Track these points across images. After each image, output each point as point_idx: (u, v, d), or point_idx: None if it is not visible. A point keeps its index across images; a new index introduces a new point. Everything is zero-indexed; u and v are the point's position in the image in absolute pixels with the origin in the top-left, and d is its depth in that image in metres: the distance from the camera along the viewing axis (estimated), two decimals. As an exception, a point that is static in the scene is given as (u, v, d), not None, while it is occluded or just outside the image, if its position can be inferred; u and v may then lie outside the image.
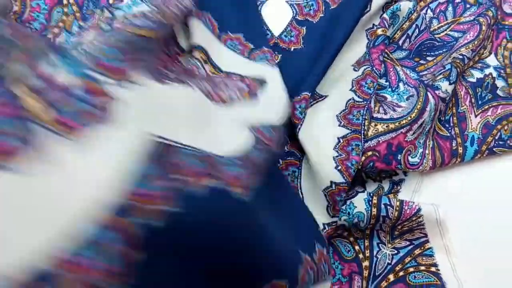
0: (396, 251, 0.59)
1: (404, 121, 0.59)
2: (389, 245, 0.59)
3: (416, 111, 0.59)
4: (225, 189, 0.38)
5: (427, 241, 0.58)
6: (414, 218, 0.58)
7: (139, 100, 0.38)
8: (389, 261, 0.59)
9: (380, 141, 0.59)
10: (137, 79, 0.39)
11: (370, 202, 0.58)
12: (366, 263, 0.59)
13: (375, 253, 0.59)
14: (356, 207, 0.58)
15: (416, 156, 0.60)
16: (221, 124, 0.45)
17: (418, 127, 0.59)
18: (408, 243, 0.59)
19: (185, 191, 0.36)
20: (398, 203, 0.57)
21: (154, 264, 0.35)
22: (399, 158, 0.59)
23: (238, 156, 0.42)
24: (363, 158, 0.58)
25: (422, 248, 0.58)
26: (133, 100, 0.37)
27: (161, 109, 0.39)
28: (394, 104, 0.61)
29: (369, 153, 0.58)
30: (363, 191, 0.59)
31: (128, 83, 0.38)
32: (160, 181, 0.35)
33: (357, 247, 0.59)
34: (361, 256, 0.59)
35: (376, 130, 0.59)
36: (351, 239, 0.60)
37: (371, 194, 0.59)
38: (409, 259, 0.59)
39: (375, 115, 0.60)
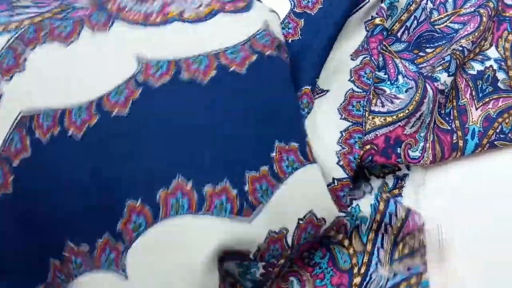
0: (393, 275, 0.57)
1: (401, 114, 0.58)
2: (387, 267, 0.57)
3: (414, 103, 0.58)
4: (62, 136, 0.50)
5: (425, 271, 0.56)
6: (416, 234, 0.56)
7: (24, 84, 0.52)
8: (383, 284, 0.56)
9: (378, 135, 0.57)
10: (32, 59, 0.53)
11: (376, 208, 0.57)
12: (357, 280, 0.56)
13: (370, 271, 0.57)
14: (361, 211, 0.57)
15: (417, 150, 0.58)
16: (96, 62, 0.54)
17: (416, 119, 0.58)
18: (406, 269, 0.57)
19: (41, 144, 0.50)
20: (403, 214, 0.56)
21: None
22: (398, 151, 0.57)
23: (90, 101, 0.51)
24: (362, 152, 0.57)
25: (419, 277, 0.56)
26: (17, 87, 0.52)
27: (43, 83, 0.53)
28: (392, 96, 0.60)
29: (367, 146, 0.57)
30: (370, 192, 0.59)
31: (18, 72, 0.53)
32: (24, 139, 0.50)
33: (354, 260, 0.57)
34: (355, 270, 0.57)
35: (373, 123, 0.58)
36: (351, 251, 0.58)
37: (378, 200, 0.58)
38: (404, 285, 0.56)
39: (372, 107, 0.59)
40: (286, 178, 0.51)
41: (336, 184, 0.55)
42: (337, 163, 0.55)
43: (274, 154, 0.51)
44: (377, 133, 0.58)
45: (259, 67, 0.54)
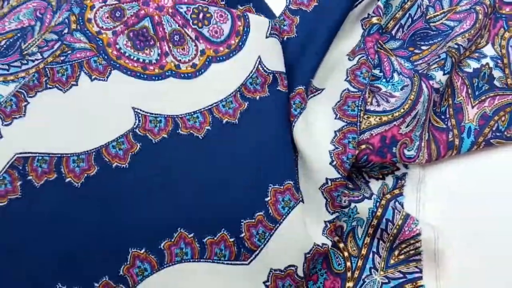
0: (387, 280, 0.57)
1: (397, 113, 0.58)
2: (382, 273, 0.57)
3: (409, 102, 0.58)
4: (59, 182, 0.54)
5: (421, 278, 0.56)
6: (412, 241, 0.56)
7: (23, 129, 0.56)
8: None
9: (373, 134, 0.57)
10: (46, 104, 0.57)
11: (374, 214, 0.57)
12: (350, 284, 0.57)
13: (363, 276, 0.57)
14: (358, 213, 0.57)
15: (413, 149, 0.58)
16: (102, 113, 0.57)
17: (412, 118, 0.58)
18: (401, 275, 0.57)
19: (34, 187, 0.53)
20: (400, 222, 0.56)
21: None
22: (393, 151, 0.57)
23: (88, 150, 0.55)
24: (356, 151, 0.56)
25: (414, 284, 0.56)
26: (15, 131, 0.55)
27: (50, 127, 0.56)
28: (388, 94, 0.60)
29: (363, 146, 0.57)
30: (369, 197, 0.58)
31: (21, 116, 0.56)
32: (14, 181, 0.53)
33: (348, 264, 0.57)
34: (349, 274, 0.57)
35: (369, 123, 0.58)
36: (346, 254, 0.58)
37: (377, 206, 0.58)
38: None
39: (367, 107, 0.59)
40: (283, 220, 0.53)
41: (330, 184, 0.55)
42: (330, 163, 0.55)
43: (268, 198, 0.54)
44: (372, 132, 0.57)
45: (250, 114, 0.58)
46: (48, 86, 0.58)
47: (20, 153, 0.55)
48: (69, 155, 0.55)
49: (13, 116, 0.56)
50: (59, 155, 0.55)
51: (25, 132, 0.56)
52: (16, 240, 0.52)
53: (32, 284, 0.51)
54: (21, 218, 0.53)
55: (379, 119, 0.58)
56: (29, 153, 0.55)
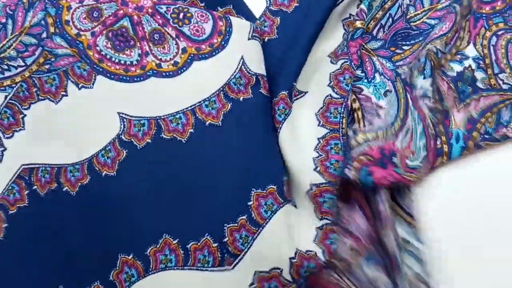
0: None
1: (389, 132, 0.58)
2: None
3: (399, 120, 0.58)
4: (59, 191, 0.57)
5: None
6: None
7: (24, 141, 0.59)
8: None
9: (372, 146, 0.57)
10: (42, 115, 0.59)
11: None
12: None
13: None
14: None
15: (418, 159, 0.57)
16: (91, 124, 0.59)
17: (404, 134, 0.58)
18: None
19: (38, 195, 0.57)
20: None
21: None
22: (394, 160, 0.56)
23: (82, 161, 0.57)
24: (356, 163, 0.55)
25: None
26: (18, 144, 0.59)
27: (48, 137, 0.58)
28: (375, 107, 0.60)
29: (362, 157, 0.56)
30: None
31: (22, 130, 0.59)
32: (22, 190, 0.57)
33: None
34: None
35: (366, 138, 0.58)
36: None
37: None
38: None
39: (361, 127, 0.59)
40: (266, 223, 0.53)
41: (314, 190, 0.54)
42: (314, 169, 0.55)
43: (251, 202, 0.53)
44: (370, 144, 0.57)
45: (234, 115, 0.57)
46: (40, 97, 0.59)
47: (26, 164, 0.58)
48: (65, 165, 0.57)
49: (13, 129, 0.59)
50: (58, 165, 0.57)
51: (27, 144, 0.59)
52: (23, 246, 0.56)
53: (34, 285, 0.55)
54: (27, 226, 0.56)
55: (375, 134, 0.58)
56: (33, 164, 0.58)
